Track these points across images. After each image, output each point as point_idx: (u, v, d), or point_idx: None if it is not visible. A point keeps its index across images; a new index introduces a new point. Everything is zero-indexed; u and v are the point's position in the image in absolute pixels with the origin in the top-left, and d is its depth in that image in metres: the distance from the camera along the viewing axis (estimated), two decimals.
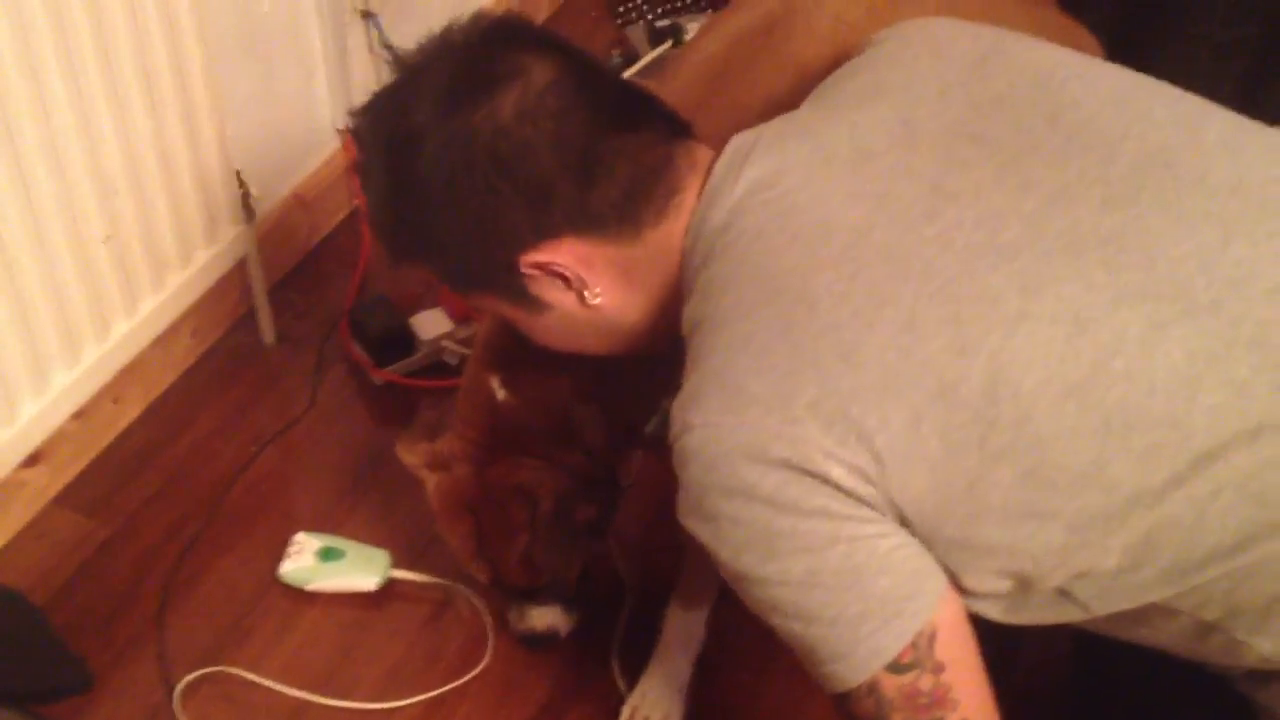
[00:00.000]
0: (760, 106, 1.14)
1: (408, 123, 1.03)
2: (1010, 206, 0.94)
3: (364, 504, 1.65)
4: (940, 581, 0.94)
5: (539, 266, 1.04)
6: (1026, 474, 0.90)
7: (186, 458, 1.68)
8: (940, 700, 0.95)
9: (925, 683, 0.94)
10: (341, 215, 2.00)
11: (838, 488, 0.90)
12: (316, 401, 1.77)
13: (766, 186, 0.99)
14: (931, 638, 0.94)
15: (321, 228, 1.97)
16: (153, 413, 1.73)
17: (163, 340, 1.69)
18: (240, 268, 1.77)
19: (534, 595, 1.42)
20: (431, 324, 1.81)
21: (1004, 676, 1.42)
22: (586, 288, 1.05)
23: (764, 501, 0.91)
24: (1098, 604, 0.95)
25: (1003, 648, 1.01)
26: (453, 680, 1.47)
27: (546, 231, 1.03)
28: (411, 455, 1.38)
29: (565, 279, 1.05)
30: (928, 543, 0.94)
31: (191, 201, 1.61)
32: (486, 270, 1.07)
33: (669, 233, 1.04)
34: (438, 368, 1.80)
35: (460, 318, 1.80)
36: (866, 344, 0.91)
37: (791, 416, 0.91)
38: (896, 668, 0.93)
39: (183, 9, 1.48)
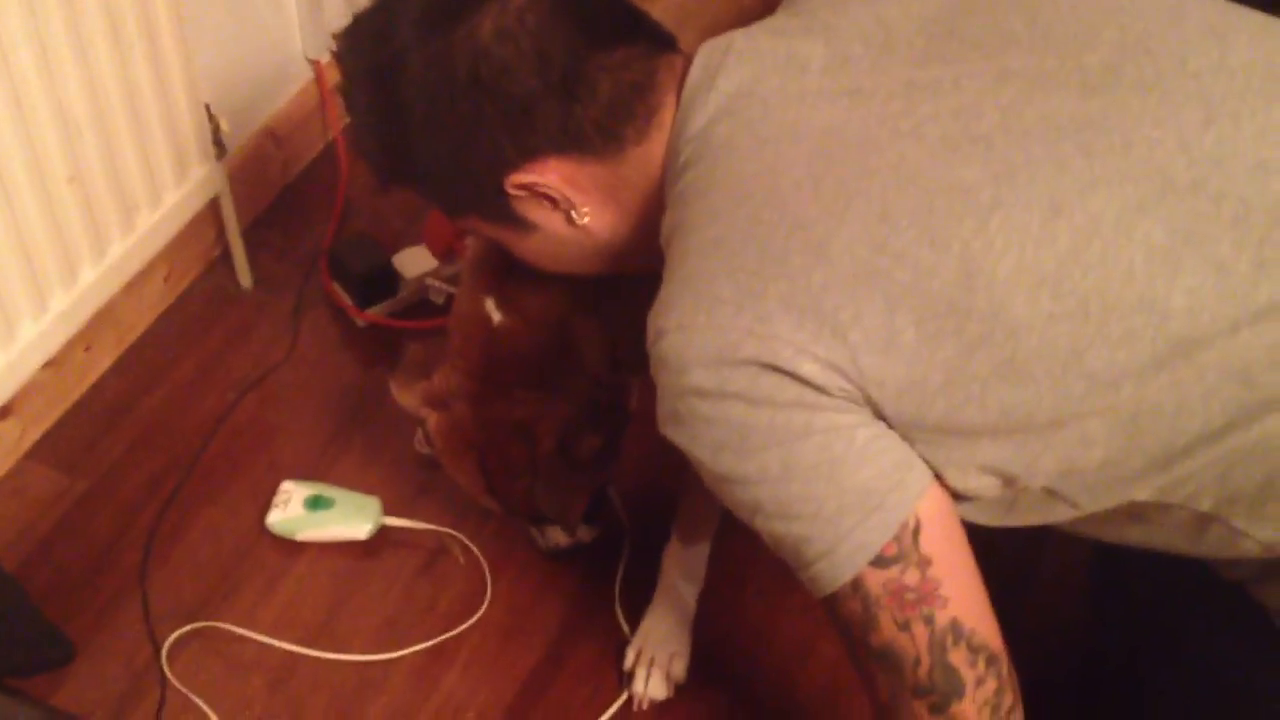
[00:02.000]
0: (740, 18, 1.11)
1: (388, 47, 1.03)
2: (987, 98, 0.93)
3: (351, 450, 1.59)
4: (923, 473, 0.93)
5: (524, 187, 1.04)
6: (1003, 363, 0.89)
7: (164, 407, 1.62)
8: (928, 596, 0.93)
9: (911, 577, 0.93)
10: (317, 149, 1.93)
11: (809, 383, 0.89)
12: (297, 345, 1.71)
13: (741, 95, 0.99)
14: (916, 530, 0.92)
15: (296, 163, 1.90)
16: (127, 361, 1.66)
17: (134, 285, 1.62)
18: (213, 207, 1.70)
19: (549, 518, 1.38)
20: (415, 262, 1.75)
21: (1023, 592, 1.40)
22: (574, 207, 1.05)
23: (736, 398, 0.91)
24: (1086, 499, 0.94)
25: (1020, 564, 0.99)
26: (451, 628, 1.42)
27: (530, 152, 1.02)
28: (407, 395, 1.34)
29: (551, 199, 1.05)
30: (907, 439, 0.93)
31: (159, 138, 1.54)
32: (473, 192, 1.07)
33: (651, 149, 1.04)
34: (422, 307, 1.74)
35: (444, 254, 1.74)
36: (837, 237, 0.90)
37: (761, 314, 0.90)
38: (881, 561, 0.92)
39: None
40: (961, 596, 0.94)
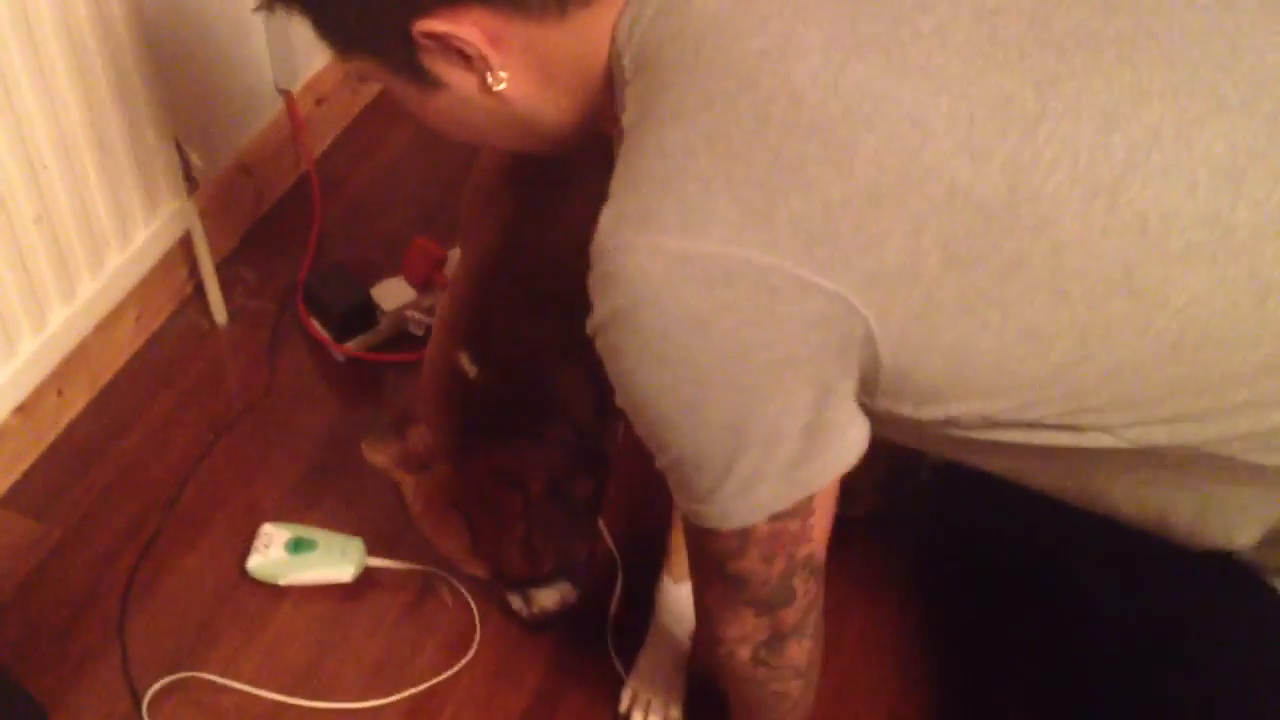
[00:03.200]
0: None
1: None
2: (1008, 3, 0.83)
3: (332, 488, 1.55)
4: (856, 446, 0.88)
5: (436, 37, 0.88)
6: (1037, 284, 0.81)
7: (139, 450, 1.58)
8: (800, 537, 0.92)
9: (794, 525, 0.91)
10: (289, 181, 1.89)
11: (805, 324, 0.80)
12: (274, 382, 1.67)
13: None
14: (821, 495, 0.90)
15: (269, 195, 1.86)
16: (100, 403, 1.62)
17: (106, 325, 1.58)
18: (184, 243, 1.66)
19: (538, 580, 1.33)
20: (393, 294, 1.71)
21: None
22: (490, 70, 0.90)
23: (712, 342, 0.81)
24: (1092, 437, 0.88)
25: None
26: (440, 672, 1.38)
27: None
28: (381, 457, 1.28)
29: (466, 57, 0.89)
30: (894, 389, 0.86)
31: (128, 174, 1.50)
32: (376, 31, 0.90)
33: (600, 16, 0.88)
34: (402, 339, 1.71)
35: (423, 285, 1.70)
36: (863, 144, 0.79)
37: (767, 240, 0.78)
38: (778, 517, 0.90)
39: None
40: (823, 533, 0.94)
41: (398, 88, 0.95)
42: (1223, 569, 1.01)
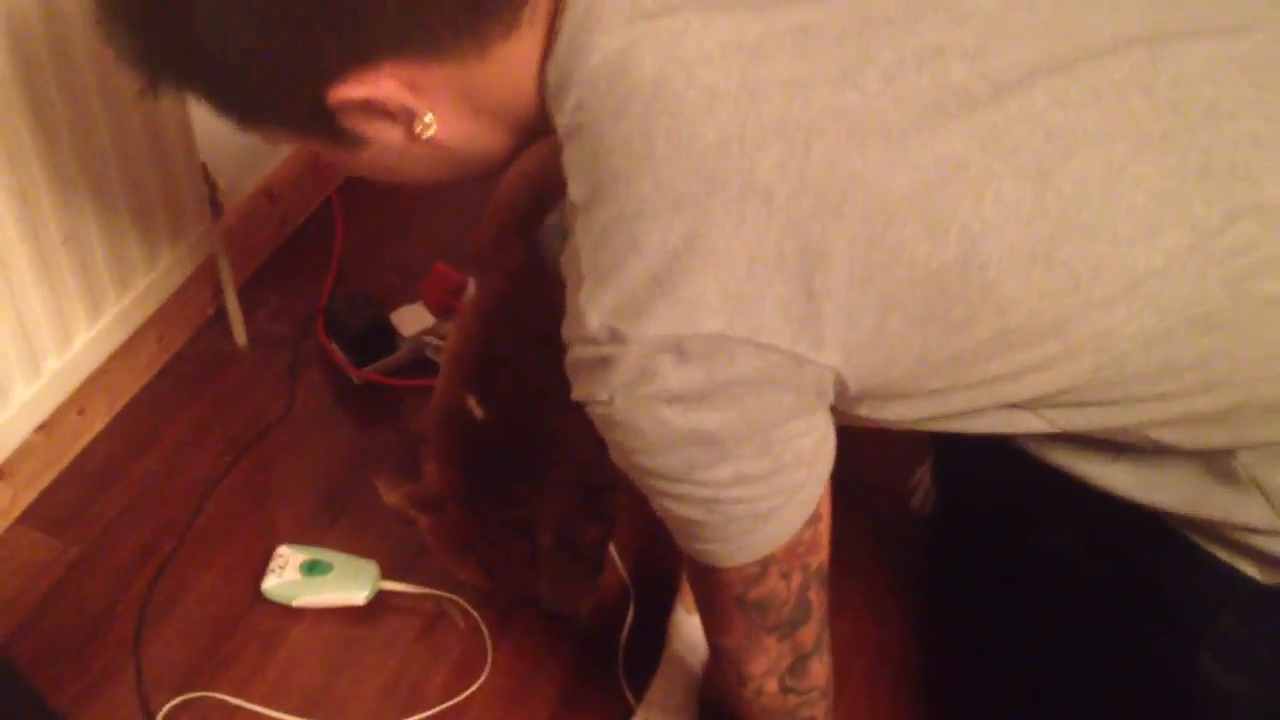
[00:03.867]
0: None
1: None
2: (949, 39, 0.82)
3: (348, 511, 1.56)
4: (831, 450, 0.92)
5: (352, 101, 0.82)
6: (986, 340, 0.84)
7: (157, 470, 1.59)
8: (813, 547, 0.95)
9: (807, 535, 0.93)
10: (312, 207, 1.91)
11: (798, 389, 0.84)
12: (293, 405, 1.68)
13: (652, 15, 0.81)
14: (822, 497, 0.93)
15: (292, 221, 1.88)
16: (120, 423, 1.63)
17: (128, 346, 1.60)
18: (208, 266, 1.68)
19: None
20: (413, 319, 1.72)
21: None
22: (415, 118, 0.85)
23: (716, 409, 0.83)
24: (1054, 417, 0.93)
25: None
26: (451, 696, 1.39)
27: (361, 56, 0.80)
28: (395, 497, 1.29)
29: (388, 111, 0.85)
30: (853, 400, 0.89)
31: (156, 199, 1.52)
32: (281, 103, 0.83)
33: (523, 47, 0.84)
34: (419, 364, 1.72)
35: (441, 311, 1.72)
36: (837, 234, 0.79)
37: (759, 324, 0.80)
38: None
39: None
40: (829, 541, 0.96)
41: (314, 148, 0.91)
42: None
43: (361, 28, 0.79)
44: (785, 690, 1.02)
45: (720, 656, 1.04)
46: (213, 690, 1.39)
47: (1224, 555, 1.00)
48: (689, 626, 1.37)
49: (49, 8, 1.28)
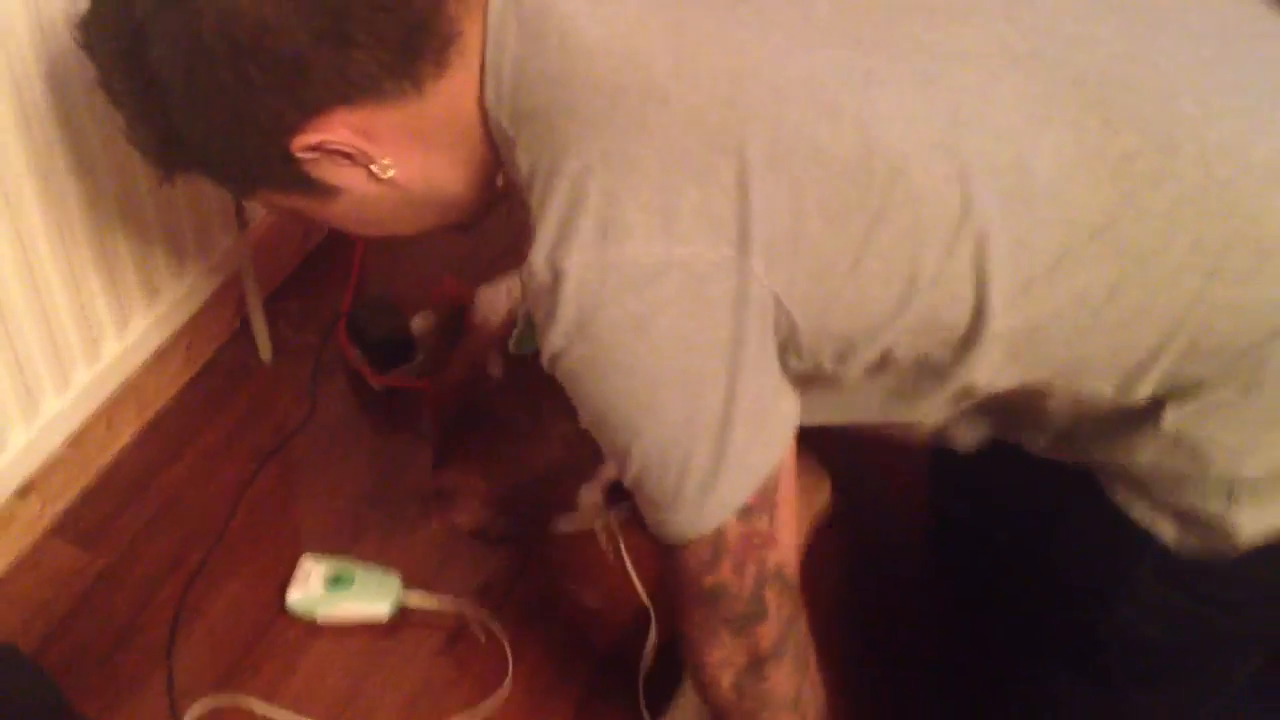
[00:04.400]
0: None
1: (129, 23, 0.92)
2: None
3: (371, 518, 1.58)
4: (791, 420, 0.94)
5: (314, 148, 0.94)
6: (907, 230, 0.88)
7: (184, 481, 1.62)
8: (769, 540, 0.96)
9: (762, 524, 0.94)
10: None
11: (730, 302, 0.87)
12: (315, 412, 1.70)
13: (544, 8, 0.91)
14: (776, 480, 0.93)
15: (315, 234, 1.90)
16: (148, 435, 1.66)
17: (156, 359, 1.62)
18: (234, 280, 1.70)
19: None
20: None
21: None
22: (373, 161, 0.95)
23: (656, 340, 0.87)
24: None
25: None
26: (471, 710, 1.41)
27: (311, 108, 0.91)
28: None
29: (347, 155, 0.95)
30: (812, 347, 0.92)
31: (183, 211, 1.54)
32: (257, 165, 0.97)
33: (458, 82, 0.93)
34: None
35: (456, 311, 1.73)
36: (733, 125, 0.85)
37: (679, 233, 0.85)
38: (744, 513, 0.93)
39: None
40: (788, 537, 0.98)
41: (300, 206, 1.01)
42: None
43: (304, 85, 0.90)
44: (738, 691, 1.03)
45: (683, 644, 1.06)
46: (240, 696, 1.41)
47: (1145, 517, 1.02)
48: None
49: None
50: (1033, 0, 0.94)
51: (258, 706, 1.40)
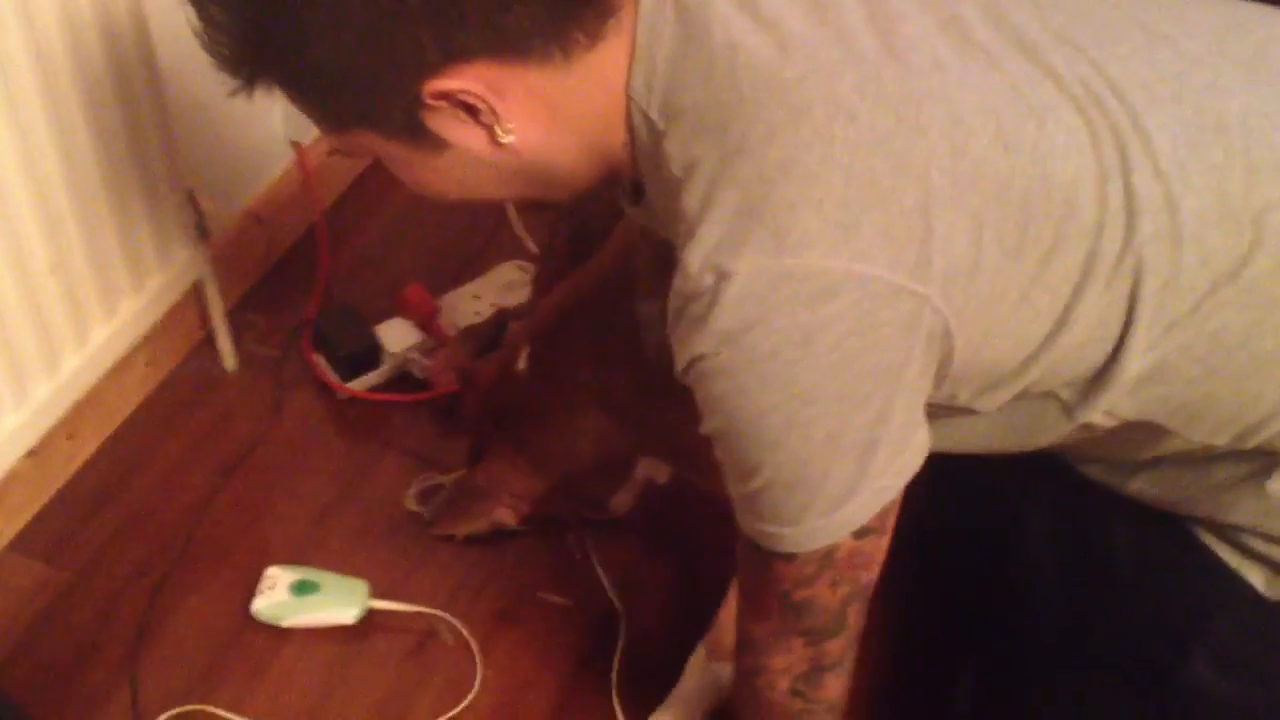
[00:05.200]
0: None
1: None
2: (964, 9, 0.92)
3: (337, 529, 1.57)
4: (924, 450, 0.92)
5: (445, 95, 0.88)
6: (1074, 267, 0.88)
7: (148, 494, 1.60)
8: (870, 560, 0.95)
9: (871, 544, 0.93)
10: (300, 231, 1.92)
11: (900, 327, 0.84)
12: (280, 423, 1.69)
13: (710, 2, 0.89)
14: (895, 503, 0.92)
15: (279, 245, 1.89)
16: (110, 448, 1.64)
17: (117, 371, 1.61)
18: (196, 291, 1.69)
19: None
20: (397, 335, 1.74)
21: None
22: (498, 122, 0.90)
23: (819, 355, 0.83)
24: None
25: None
26: (441, 714, 1.39)
27: (457, 52, 0.86)
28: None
29: (474, 111, 0.89)
30: (957, 378, 0.91)
31: (142, 224, 1.53)
32: (378, 100, 0.89)
33: (606, 58, 0.90)
34: (403, 380, 1.73)
35: (425, 319, 1.74)
36: (919, 150, 0.84)
37: (859, 251, 0.82)
38: (862, 532, 0.91)
39: (122, 18, 1.40)
40: (885, 556, 0.97)
41: (396, 154, 0.94)
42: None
43: (458, 26, 0.84)
44: (794, 693, 1.03)
45: (744, 640, 1.05)
46: (206, 706, 1.39)
47: (1232, 560, 1.02)
48: (707, 671, 1.36)
49: (36, 39, 1.29)
50: (1167, 45, 0.93)
51: (224, 716, 1.39)
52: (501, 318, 1.38)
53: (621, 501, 1.32)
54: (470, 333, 1.34)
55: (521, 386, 1.26)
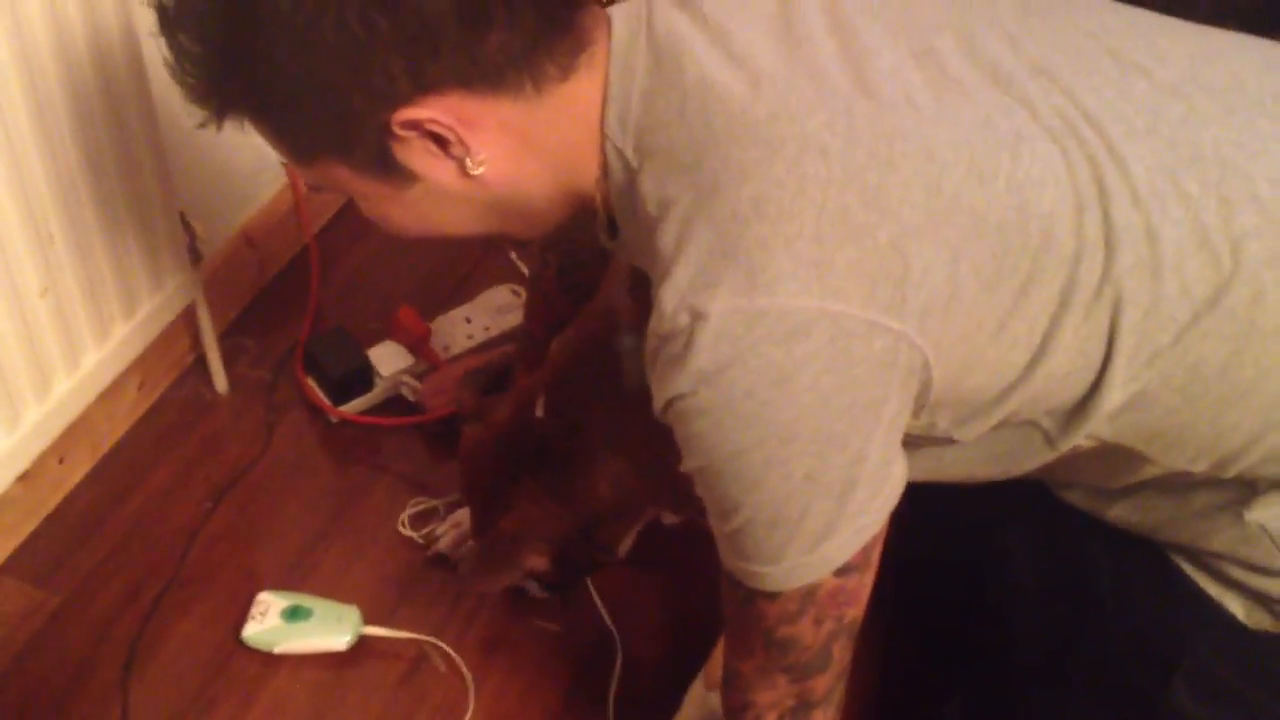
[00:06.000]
0: None
1: None
2: (939, 43, 0.91)
3: (329, 554, 1.57)
4: (902, 482, 0.92)
5: (413, 125, 0.87)
6: (1052, 297, 0.88)
7: (139, 518, 1.60)
8: (854, 597, 0.95)
9: (853, 582, 0.93)
10: (291, 254, 1.92)
11: (876, 364, 0.84)
12: (272, 446, 1.69)
13: (683, 38, 0.89)
14: (877, 539, 0.92)
15: (271, 267, 1.89)
16: (101, 471, 1.64)
17: (108, 394, 1.60)
18: (187, 313, 1.68)
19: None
20: (390, 358, 1.74)
21: None
22: (469, 154, 0.89)
23: (796, 394, 0.83)
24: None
25: None
26: None
27: (428, 82, 0.85)
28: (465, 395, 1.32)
29: (443, 142, 0.89)
30: (934, 408, 0.91)
31: (134, 247, 1.53)
32: (348, 130, 0.88)
33: (579, 91, 0.90)
34: (395, 403, 1.73)
35: (417, 342, 1.74)
36: (892, 185, 0.83)
37: (832, 287, 0.81)
38: (844, 569, 0.91)
39: (114, 41, 1.40)
40: (868, 594, 0.97)
41: (364, 188, 0.94)
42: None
43: (431, 57, 0.84)
44: None
45: (730, 677, 1.05)
46: None
47: (1211, 589, 1.02)
48: (705, 702, 1.35)
49: (27, 61, 1.29)
50: (1141, 76, 0.94)
51: None
52: (505, 359, 1.37)
53: (627, 544, 1.32)
54: (476, 374, 1.32)
55: (542, 431, 1.25)
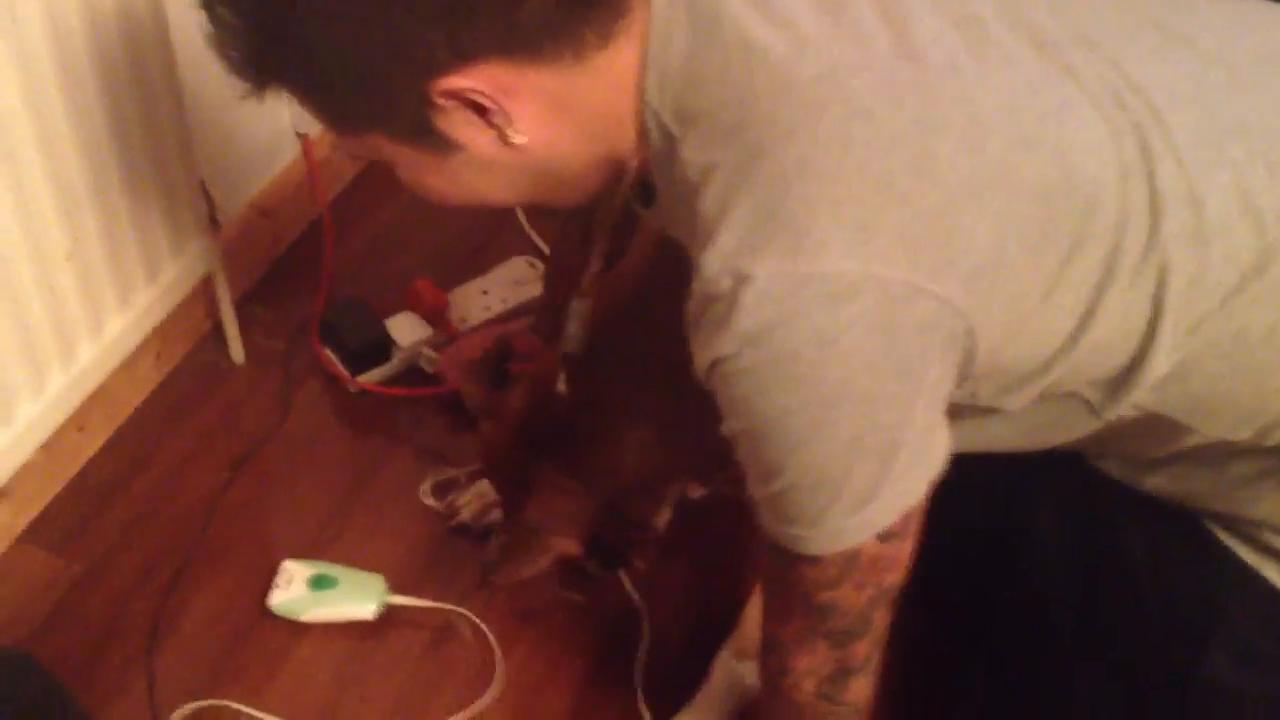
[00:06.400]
0: None
1: None
2: (978, 8, 0.92)
3: (351, 523, 1.57)
4: (946, 449, 0.92)
5: (454, 95, 0.87)
6: (1098, 264, 0.88)
7: (158, 487, 1.59)
8: (895, 563, 0.95)
9: (894, 548, 0.93)
10: (305, 224, 1.91)
11: (920, 328, 0.84)
12: (290, 416, 1.68)
13: (723, 3, 0.89)
14: (920, 505, 0.92)
15: (285, 237, 1.88)
16: (119, 440, 1.63)
17: (126, 363, 1.59)
18: (205, 283, 1.67)
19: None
20: (408, 329, 1.73)
21: None
22: (510, 123, 0.89)
23: (840, 359, 0.83)
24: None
25: None
26: (459, 711, 1.39)
27: (467, 51, 0.85)
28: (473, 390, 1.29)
29: (484, 112, 0.88)
30: (979, 377, 0.91)
31: (156, 213, 1.52)
32: (387, 101, 0.88)
33: (617, 59, 0.89)
34: (413, 374, 1.72)
35: (434, 312, 1.73)
36: (938, 148, 0.83)
37: (876, 252, 0.81)
38: (886, 535, 0.91)
39: (142, 9, 1.39)
40: (911, 560, 0.96)
41: (404, 157, 0.94)
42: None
43: (468, 25, 0.83)
44: (820, 695, 1.04)
45: (769, 642, 1.05)
46: (223, 700, 1.38)
47: (1248, 556, 1.03)
48: (733, 671, 1.36)
49: (56, 27, 1.28)
50: (1184, 44, 0.94)
51: (242, 710, 1.38)
52: (503, 346, 1.36)
53: (664, 518, 1.31)
54: (477, 367, 1.31)
55: (563, 408, 1.24)
